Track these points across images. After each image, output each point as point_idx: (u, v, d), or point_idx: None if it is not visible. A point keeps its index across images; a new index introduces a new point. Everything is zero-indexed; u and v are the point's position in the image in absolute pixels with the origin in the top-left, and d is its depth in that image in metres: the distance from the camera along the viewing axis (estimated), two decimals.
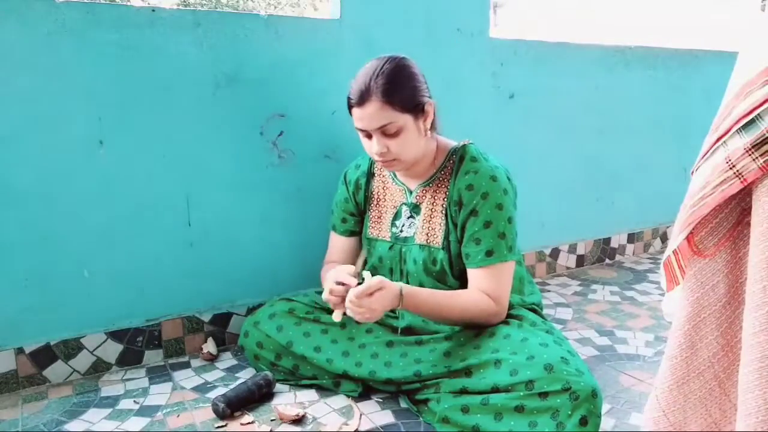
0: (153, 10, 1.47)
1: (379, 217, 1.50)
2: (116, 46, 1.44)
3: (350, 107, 1.32)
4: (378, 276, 1.26)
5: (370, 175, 1.52)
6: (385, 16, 1.77)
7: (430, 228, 1.41)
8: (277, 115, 1.67)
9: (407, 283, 1.44)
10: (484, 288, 1.33)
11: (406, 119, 1.29)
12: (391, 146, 1.31)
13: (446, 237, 1.39)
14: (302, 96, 1.69)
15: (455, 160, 1.39)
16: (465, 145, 1.41)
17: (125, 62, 1.46)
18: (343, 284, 1.28)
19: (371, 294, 1.22)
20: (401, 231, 1.46)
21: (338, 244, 1.57)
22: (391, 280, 1.45)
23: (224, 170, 1.62)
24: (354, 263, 1.55)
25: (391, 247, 1.47)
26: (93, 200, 1.48)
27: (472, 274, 1.35)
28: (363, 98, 1.28)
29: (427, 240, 1.41)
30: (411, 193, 1.44)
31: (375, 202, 1.51)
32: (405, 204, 1.46)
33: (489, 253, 1.32)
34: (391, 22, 1.78)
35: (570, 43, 2.20)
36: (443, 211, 1.39)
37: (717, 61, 2.61)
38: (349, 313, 1.24)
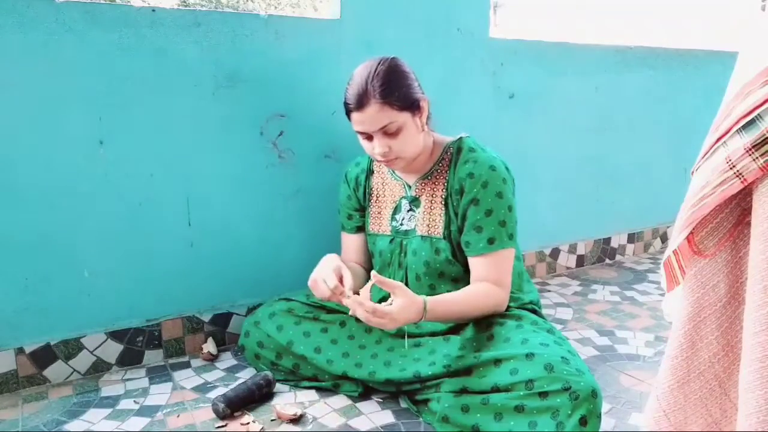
0: (153, 10, 1.47)
1: (379, 213, 1.52)
2: (116, 46, 1.44)
3: (348, 112, 1.33)
4: (401, 287, 1.23)
5: (369, 172, 1.55)
6: (385, 16, 1.77)
7: (430, 219, 1.43)
8: (277, 115, 1.67)
9: (405, 275, 1.46)
10: (488, 275, 1.35)
11: (405, 117, 1.32)
12: (392, 145, 1.33)
13: (447, 227, 1.41)
14: (302, 96, 1.69)
15: (452, 152, 1.43)
16: (462, 138, 1.44)
17: (125, 62, 1.46)
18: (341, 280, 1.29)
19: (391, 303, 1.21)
20: (401, 224, 1.48)
21: (349, 243, 1.59)
22: (389, 274, 1.48)
23: (224, 170, 1.62)
24: (367, 260, 1.58)
25: (391, 241, 1.49)
26: (93, 200, 1.48)
27: (475, 262, 1.37)
28: (362, 102, 1.29)
29: (428, 231, 1.43)
30: (410, 187, 1.47)
31: (375, 198, 1.53)
32: (404, 198, 1.48)
33: (491, 241, 1.35)
34: (391, 22, 1.78)
35: (570, 43, 2.20)
36: (443, 202, 1.42)
37: (717, 61, 2.61)
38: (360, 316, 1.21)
